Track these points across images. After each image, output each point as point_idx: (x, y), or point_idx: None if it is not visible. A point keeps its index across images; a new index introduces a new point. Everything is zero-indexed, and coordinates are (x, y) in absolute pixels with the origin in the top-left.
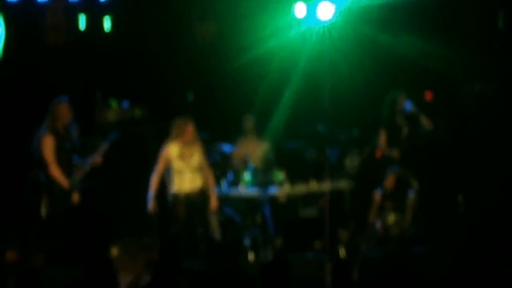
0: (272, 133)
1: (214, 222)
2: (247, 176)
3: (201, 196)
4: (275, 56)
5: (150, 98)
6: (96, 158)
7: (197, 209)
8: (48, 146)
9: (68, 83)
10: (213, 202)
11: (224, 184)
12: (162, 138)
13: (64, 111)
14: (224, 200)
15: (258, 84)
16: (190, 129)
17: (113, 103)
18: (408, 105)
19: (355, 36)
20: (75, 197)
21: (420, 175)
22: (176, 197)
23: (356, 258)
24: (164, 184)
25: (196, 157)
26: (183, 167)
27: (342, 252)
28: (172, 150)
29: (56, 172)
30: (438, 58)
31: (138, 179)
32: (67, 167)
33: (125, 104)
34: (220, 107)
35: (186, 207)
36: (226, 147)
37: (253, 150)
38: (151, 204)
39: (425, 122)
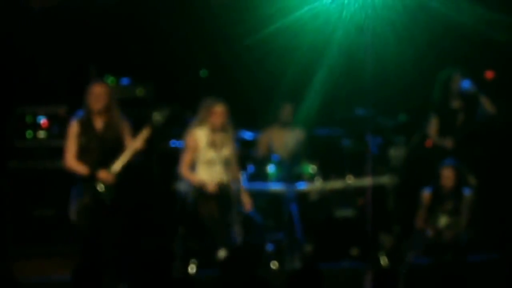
0: (302, 118)
1: (237, 223)
2: (270, 168)
3: (228, 192)
4: (307, 27)
5: (155, 75)
6: (137, 144)
7: (224, 207)
8: (69, 134)
9: (56, 56)
10: (247, 200)
11: (243, 177)
12: (170, 123)
13: (95, 93)
14: None
15: (285, 59)
16: (218, 111)
17: (110, 80)
18: (465, 85)
19: (402, 2)
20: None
21: (478, 169)
22: (200, 192)
23: (401, 268)
24: (170, 177)
25: (229, 146)
26: (213, 157)
27: (384, 260)
28: (199, 136)
29: (69, 162)
30: (502, 28)
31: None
32: (98, 161)
33: (125, 81)
34: (239, 87)
35: (213, 205)
36: (246, 134)
37: (280, 138)
38: (211, 185)
39: (486, 105)
